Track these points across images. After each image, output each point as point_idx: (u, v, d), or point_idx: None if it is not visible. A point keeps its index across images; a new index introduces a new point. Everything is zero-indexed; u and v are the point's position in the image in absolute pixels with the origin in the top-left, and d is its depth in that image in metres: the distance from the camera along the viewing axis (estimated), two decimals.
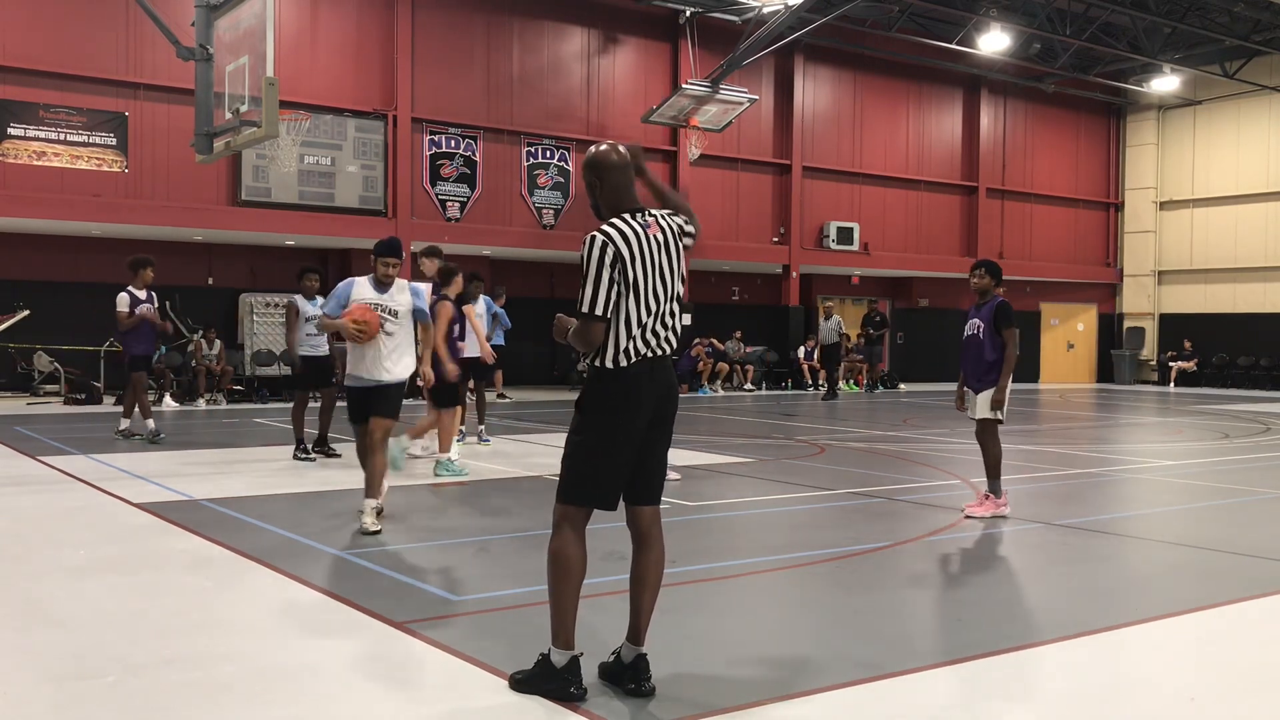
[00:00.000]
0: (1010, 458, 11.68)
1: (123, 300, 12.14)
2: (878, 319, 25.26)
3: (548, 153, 22.42)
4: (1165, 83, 27.91)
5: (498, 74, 21.85)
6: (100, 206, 17.96)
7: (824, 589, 5.83)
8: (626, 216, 4.03)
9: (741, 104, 22.29)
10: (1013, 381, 8.05)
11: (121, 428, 12.37)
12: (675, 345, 4.15)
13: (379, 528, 6.93)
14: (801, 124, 25.64)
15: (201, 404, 17.85)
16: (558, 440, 12.86)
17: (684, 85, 21.79)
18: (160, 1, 13.62)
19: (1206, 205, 29.85)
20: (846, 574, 6.13)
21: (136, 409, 12.38)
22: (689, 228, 4.21)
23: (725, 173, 24.73)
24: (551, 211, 22.49)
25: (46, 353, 18.80)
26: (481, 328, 11.40)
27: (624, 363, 4.00)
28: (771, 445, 12.59)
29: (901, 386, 26.42)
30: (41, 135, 17.64)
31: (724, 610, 5.34)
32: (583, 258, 4.00)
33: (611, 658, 4.13)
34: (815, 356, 23.53)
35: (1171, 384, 29.21)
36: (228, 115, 11.10)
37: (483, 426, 12.49)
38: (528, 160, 22.20)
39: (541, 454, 11.37)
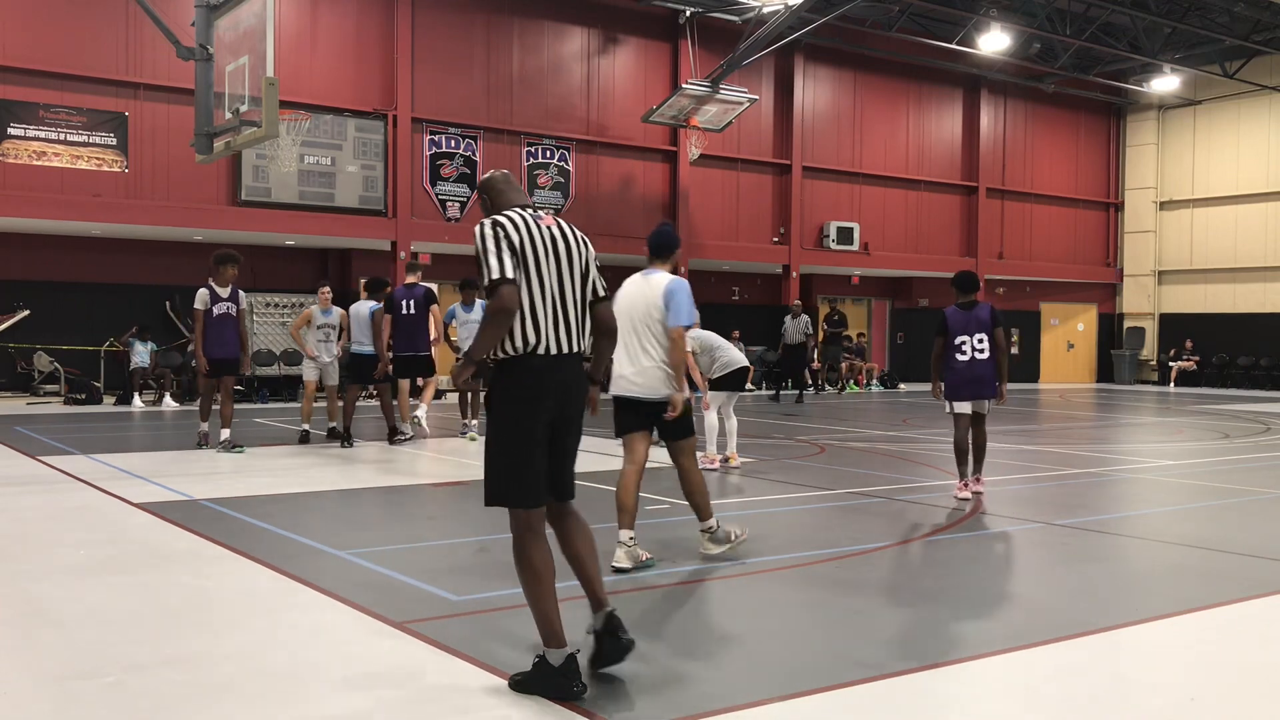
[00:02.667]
0: (1011, 458, 11.70)
1: (201, 297, 11.29)
2: (836, 318, 25.08)
3: (548, 153, 22.42)
4: (1165, 83, 27.91)
5: (498, 74, 21.85)
6: (100, 206, 17.96)
7: (824, 589, 5.82)
8: (516, 209, 4.20)
9: (741, 104, 22.28)
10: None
11: (223, 439, 11.20)
12: (580, 344, 4.19)
13: None
14: (801, 124, 25.64)
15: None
16: None
17: (684, 85, 21.79)
18: (160, 1, 13.62)
19: (1206, 205, 29.85)
20: (846, 574, 6.13)
21: (208, 414, 11.53)
22: (594, 256, 4.33)
23: (725, 173, 24.73)
24: (552, 211, 22.47)
25: (46, 353, 18.81)
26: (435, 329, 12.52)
27: (523, 349, 4.04)
28: (771, 445, 12.59)
29: (901, 386, 26.43)
30: (41, 135, 17.64)
31: (724, 610, 5.34)
32: (476, 247, 4.07)
33: (590, 635, 4.16)
34: (780, 355, 22.49)
35: (1171, 384, 29.22)
36: (228, 115, 11.10)
37: (475, 422, 12.76)
38: (528, 160, 22.20)
39: None
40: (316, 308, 12.50)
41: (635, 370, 6.15)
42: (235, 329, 11.34)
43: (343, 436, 11.91)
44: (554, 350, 4.08)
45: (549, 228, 4.17)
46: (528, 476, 4.07)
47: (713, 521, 6.35)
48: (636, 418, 6.22)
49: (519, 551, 4.08)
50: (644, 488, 9.03)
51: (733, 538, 6.37)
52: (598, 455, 11.54)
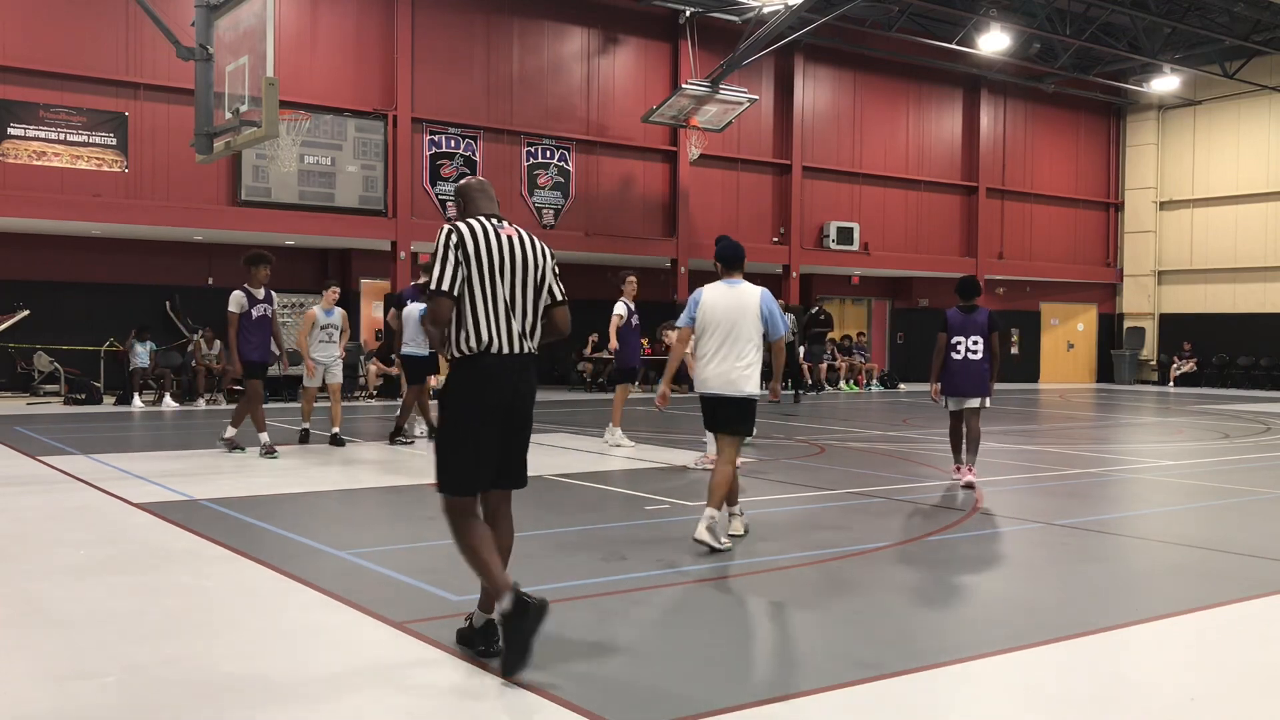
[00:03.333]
0: (1011, 458, 11.70)
1: (237, 300, 11.06)
2: (822, 318, 25.04)
3: (548, 153, 22.42)
4: (1165, 83, 27.91)
5: (498, 74, 21.85)
6: (100, 206, 17.96)
7: (824, 589, 5.83)
8: (481, 218, 4.49)
9: (741, 104, 22.28)
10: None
11: (226, 435, 11.23)
12: (530, 347, 4.47)
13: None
14: (801, 124, 25.64)
15: (201, 404, 17.84)
16: (557, 440, 12.94)
17: (684, 85, 21.79)
18: (160, 1, 13.61)
19: (1206, 205, 29.85)
20: (846, 574, 6.13)
21: (243, 420, 11.26)
22: (553, 265, 4.61)
23: (725, 173, 24.73)
24: (551, 211, 22.49)
25: (46, 353, 18.81)
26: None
27: (475, 349, 4.33)
28: (771, 445, 12.59)
29: (901, 386, 26.43)
30: (41, 135, 17.64)
31: (724, 610, 5.34)
32: (434, 249, 4.38)
33: (499, 616, 4.20)
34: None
35: (1171, 384, 29.22)
36: (228, 115, 11.10)
37: None
38: (528, 160, 22.20)
39: (541, 453, 11.37)
40: (319, 308, 12.24)
41: (724, 371, 6.73)
42: (270, 331, 11.20)
43: (399, 432, 12.35)
44: (504, 351, 4.35)
45: (509, 237, 4.45)
46: (468, 468, 4.35)
47: (736, 507, 7.07)
48: (719, 418, 6.87)
49: (457, 534, 4.39)
50: (644, 488, 9.05)
51: (721, 542, 6.66)
52: (595, 455, 11.54)
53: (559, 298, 4.57)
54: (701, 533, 6.52)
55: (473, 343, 4.32)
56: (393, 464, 10.81)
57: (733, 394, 6.73)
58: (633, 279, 12.87)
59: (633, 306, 12.64)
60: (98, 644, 4.54)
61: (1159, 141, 30.80)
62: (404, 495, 8.85)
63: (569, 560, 6.26)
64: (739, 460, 10.52)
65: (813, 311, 25.19)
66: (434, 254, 4.34)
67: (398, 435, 12.34)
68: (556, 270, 4.62)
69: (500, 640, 4.22)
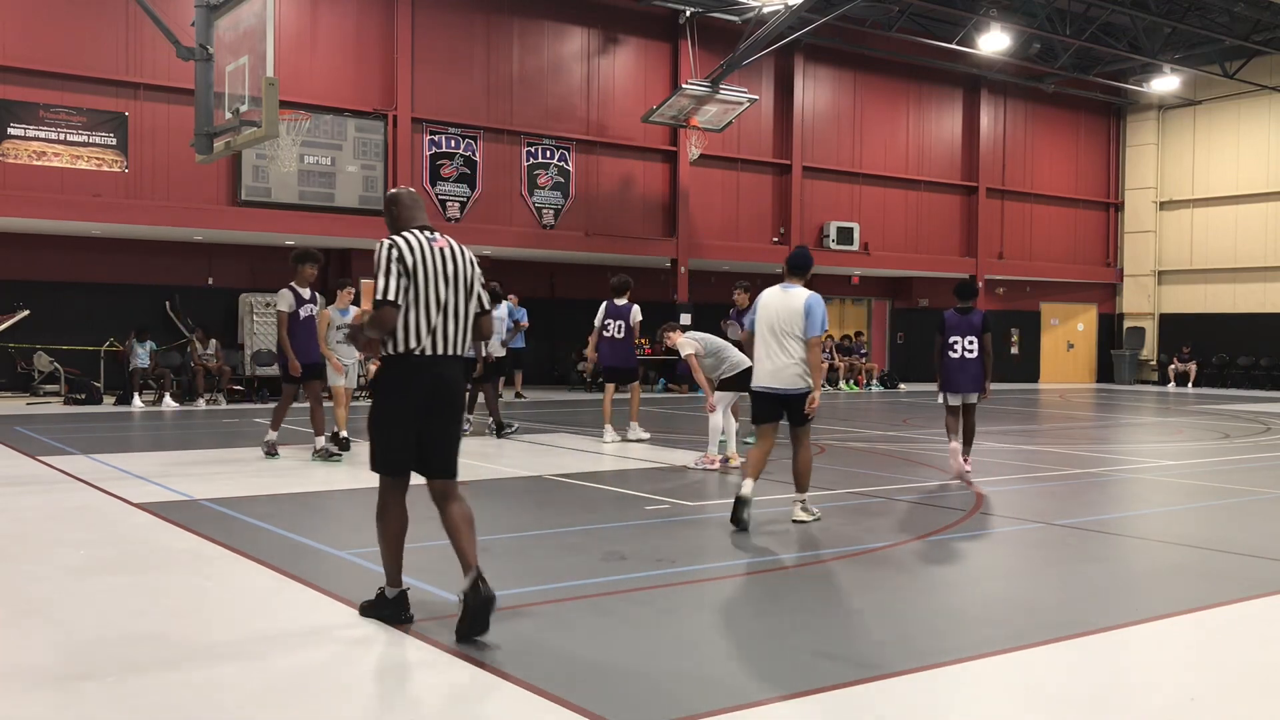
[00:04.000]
0: (1011, 458, 11.71)
1: (285, 299, 10.65)
2: None
3: (548, 153, 22.43)
4: (1165, 83, 27.91)
5: (498, 74, 21.85)
6: (100, 206, 17.96)
7: (824, 589, 5.83)
8: (415, 230, 4.89)
9: (741, 104, 22.28)
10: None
11: (319, 446, 10.69)
12: (460, 349, 4.90)
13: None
14: (801, 124, 25.64)
15: (201, 404, 17.84)
16: (558, 440, 12.94)
17: (684, 85, 21.79)
18: (160, 1, 13.62)
19: (1206, 205, 29.86)
20: (847, 574, 6.13)
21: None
22: (479, 274, 5.05)
23: (725, 173, 24.73)
24: (551, 211, 22.49)
25: (46, 353, 18.81)
26: None
27: (407, 349, 4.77)
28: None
29: (901, 386, 26.43)
30: (41, 135, 17.64)
31: (724, 610, 5.34)
32: (374, 261, 4.77)
33: (460, 598, 4.65)
34: None
35: (1171, 384, 29.23)
36: (228, 115, 11.10)
37: (470, 419, 13.22)
38: (528, 160, 22.20)
39: (542, 453, 11.38)
40: (334, 308, 11.60)
41: (774, 368, 7.38)
42: (315, 331, 10.81)
43: (499, 428, 12.84)
44: (430, 352, 4.80)
45: (440, 249, 4.87)
46: (393, 452, 4.87)
47: (805, 496, 7.52)
48: (771, 408, 7.49)
49: (380, 510, 4.93)
50: (644, 488, 9.05)
51: (814, 513, 7.54)
52: (596, 455, 11.54)
53: (485, 306, 5.05)
54: (798, 514, 7.45)
55: (400, 344, 4.76)
56: None
57: (780, 389, 7.37)
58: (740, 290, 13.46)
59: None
60: (98, 644, 4.54)
61: (1159, 141, 30.80)
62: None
63: (569, 560, 6.26)
64: (738, 459, 10.56)
65: None
66: (375, 267, 4.73)
67: (503, 429, 12.88)
68: (482, 280, 5.09)
69: (407, 612, 4.87)
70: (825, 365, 25.05)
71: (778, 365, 7.36)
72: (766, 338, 7.44)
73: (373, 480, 9.14)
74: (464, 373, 5.03)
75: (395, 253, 4.74)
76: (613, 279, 12.93)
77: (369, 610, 4.92)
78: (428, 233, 4.89)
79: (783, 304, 7.43)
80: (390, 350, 4.79)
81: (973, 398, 9.91)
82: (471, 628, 4.55)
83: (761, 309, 7.56)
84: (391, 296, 4.70)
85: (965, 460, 9.84)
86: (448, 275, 4.84)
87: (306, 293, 10.81)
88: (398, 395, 4.80)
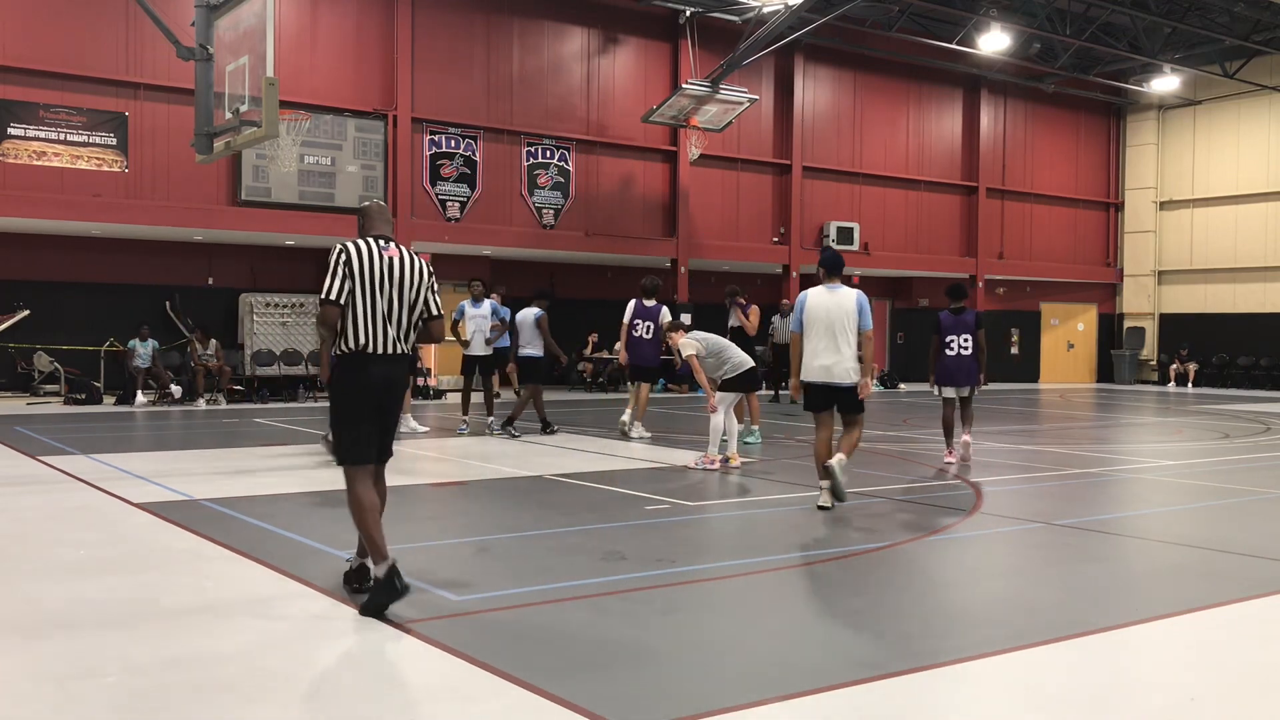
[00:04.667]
0: (1011, 457, 11.71)
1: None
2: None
3: (548, 153, 22.43)
4: (1165, 83, 27.91)
5: (498, 74, 21.85)
6: (100, 206, 17.96)
7: (824, 589, 5.83)
8: (370, 239, 5.33)
9: (741, 104, 22.28)
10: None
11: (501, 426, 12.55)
12: (402, 349, 5.34)
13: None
14: (801, 124, 25.64)
15: (202, 404, 17.84)
16: (558, 440, 12.93)
17: (684, 85, 21.78)
18: (160, 1, 13.61)
19: (1206, 205, 29.86)
20: (846, 574, 6.13)
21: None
22: (432, 282, 5.48)
23: (725, 173, 24.73)
24: (551, 211, 22.49)
25: (46, 353, 18.81)
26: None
27: (355, 348, 5.20)
28: (772, 445, 12.59)
29: (901, 386, 26.42)
30: (41, 135, 17.64)
31: (724, 610, 5.34)
32: (328, 263, 5.24)
33: (374, 578, 5.11)
34: (769, 356, 21.48)
35: (1171, 383, 29.23)
36: (228, 115, 11.10)
37: (489, 419, 13.64)
38: (528, 160, 22.20)
39: (542, 454, 11.38)
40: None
41: (829, 363, 8.00)
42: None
43: (545, 425, 13.43)
44: (378, 350, 5.23)
45: (390, 258, 5.29)
46: (361, 445, 5.28)
47: (845, 460, 7.96)
48: (826, 399, 8.14)
49: (351, 495, 5.26)
50: (644, 488, 9.05)
51: (848, 473, 8.00)
52: (596, 455, 11.55)
53: (434, 312, 5.44)
54: (835, 461, 7.83)
55: (353, 343, 5.20)
56: (392, 464, 10.79)
57: (836, 383, 8.02)
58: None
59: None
60: (98, 644, 4.54)
61: (1159, 141, 30.80)
62: (404, 495, 8.85)
63: (569, 560, 6.26)
64: (739, 460, 10.58)
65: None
66: (327, 268, 5.20)
67: (509, 425, 13.13)
68: (435, 286, 5.48)
69: (371, 587, 5.14)
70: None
71: (831, 361, 7.99)
72: (820, 335, 8.02)
73: None
74: (407, 370, 5.51)
75: (344, 257, 5.21)
76: (644, 281, 13.37)
77: (373, 601, 5.02)
78: (381, 242, 5.33)
79: (834, 304, 8.03)
80: (343, 348, 5.23)
81: (966, 390, 11.17)
82: (384, 598, 4.99)
83: (810, 310, 8.08)
84: (334, 297, 5.17)
85: (967, 432, 11.16)
86: (393, 281, 5.26)
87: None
88: (355, 390, 5.26)
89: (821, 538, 7.17)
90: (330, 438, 10.74)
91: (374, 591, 5.05)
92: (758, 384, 10.74)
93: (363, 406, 5.25)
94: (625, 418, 13.17)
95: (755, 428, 12.55)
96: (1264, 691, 4.24)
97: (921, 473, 10.46)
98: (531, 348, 13.32)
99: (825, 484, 7.87)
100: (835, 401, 8.12)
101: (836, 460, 7.81)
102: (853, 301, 8.05)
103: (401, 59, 20.57)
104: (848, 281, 8.79)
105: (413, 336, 5.41)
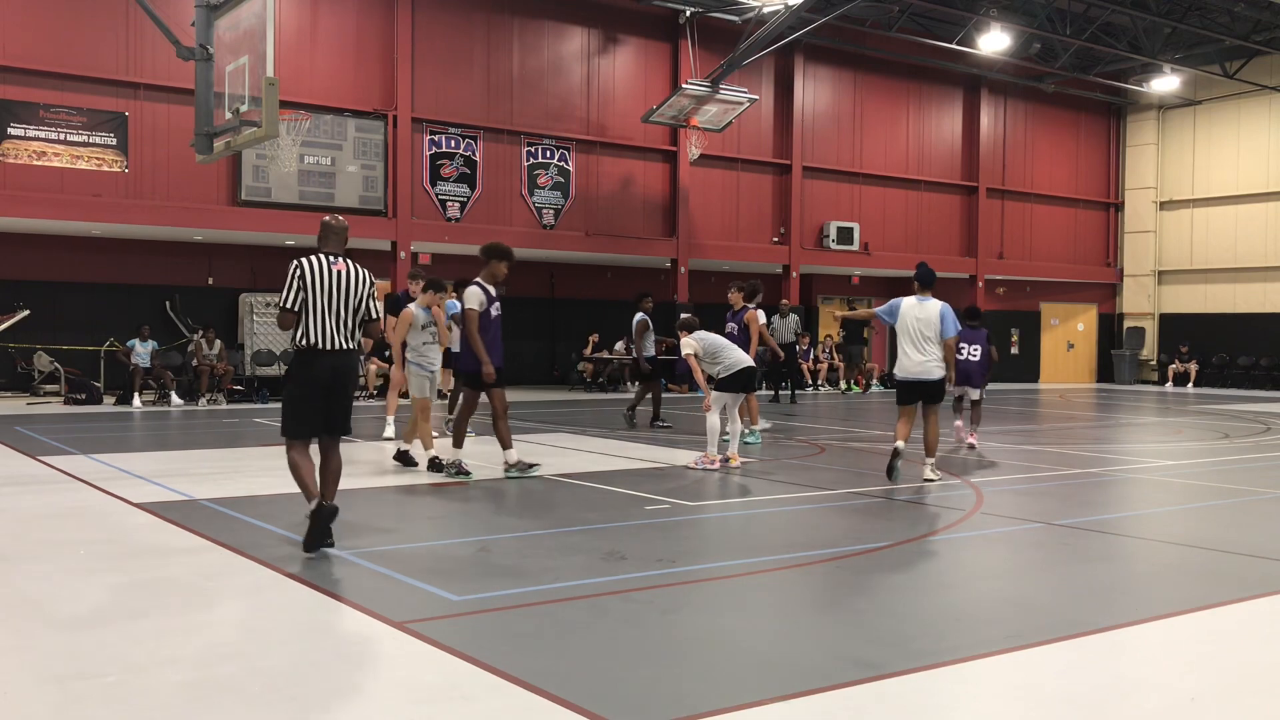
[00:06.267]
0: (1011, 457, 11.72)
1: (474, 296, 9.27)
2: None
3: (548, 153, 22.43)
4: (1165, 83, 27.91)
5: (498, 74, 21.85)
6: (100, 206, 17.96)
7: (824, 589, 5.83)
8: (322, 254, 6.52)
9: (741, 104, 22.28)
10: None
11: (512, 460, 9.57)
12: (347, 345, 6.47)
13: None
14: (801, 124, 25.64)
15: (202, 404, 17.84)
16: (558, 440, 12.94)
17: (684, 85, 21.79)
18: (160, 1, 13.62)
19: (1206, 205, 29.85)
20: (846, 574, 6.13)
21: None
22: (373, 290, 6.68)
23: (725, 173, 24.73)
24: (551, 211, 22.49)
25: (46, 353, 18.81)
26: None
27: (307, 345, 6.36)
28: (772, 445, 12.59)
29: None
30: (41, 135, 17.65)
31: (724, 610, 5.34)
32: (286, 275, 6.44)
33: (307, 514, 6.29)
34: (768, 356, 22.05)
35: (1171, 383, 29.23)
36: (228, 115, 11.11)
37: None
38: (528, 160, 22.21)
39: (542, 454, 11.37)
40: (416, 306, 10.44)
41: (918, 361, 9.44)
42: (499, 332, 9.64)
43: (637, 419, 14.40)
44: (326, 346, 6.38)
45: (338, 271, 6.48)
46: (300, 421, 6.48)
47: (933, 460, 9.58)
48: (913, 394, 9.55)
49: (291, 461, 6.49)
50: (644, 488, 9.06)
51: (939, 475, 9.54)
52: (596, 455, 11.55)
53: (373, 315, 6.62)
54: (928, 474, 9.45)
55: (304, 340, 6.36)
56: (392, 464, 10.81)
57: (925, 378, 9.46)
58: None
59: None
60: (98, 644, 4.54)
61: (1159, 141, 30.80)
62: (404, 495, 8.85)
63: (569, 560, 6.26)
64: (739, 460, 10.62)
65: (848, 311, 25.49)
66: (285, 280, 6.41)
67: (656, 420, 14.29)
68: (375, 293, 6.65)
69: (313, 528, 6.26)
70: (835, 364, 25.26)
71: (920, 360, 9.42)
72: (912, 339, 9.45)
73: (371, 481, 9.16)
74: (354, 362, 6.63)
75: (299, 271, 6.41)
76: (748, 284, 13.25)
77: (309, 536, 6.22)
78: (332, 257, 6.51)
79: (922, 313, 9.49)
80: (299, 345, 6.40)
81: (975, 393, 12.57)
82: (317, 539, 6.21)
83: (902, 317, 9.54)
84: (289, 305, 6.38)
85: (973, 434, 12.43)
86: (339, 290, 6.43)
87: (494, 291, 9.50)
88: (304, 378, 6.42)
89: (821, 538, 7.18)
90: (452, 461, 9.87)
91: (309, 526, 6.22)
92: (754, 384, 10.74)
93: (312, 392, 6.39)
94: (760, 425, 13.15)
95: (755, 428, 12.56)
96: (1264, 691, 4.24)
97: (922, 472, 10.45)
98: (648, 349, 14.70)
99: (895, 461, 9.42)
100: (923, 395, 9.51)
101: (928, 469, 9.50)
102: (937, 312, 9.47)
103: (401, 59, 20.57)
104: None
105: (358, 334, 6.54)
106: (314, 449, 6.55)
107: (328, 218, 6.73)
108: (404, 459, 10.14)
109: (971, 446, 12.21)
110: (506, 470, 9.50)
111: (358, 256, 22.89)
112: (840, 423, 16.36)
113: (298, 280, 6.36)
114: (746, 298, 13.11)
